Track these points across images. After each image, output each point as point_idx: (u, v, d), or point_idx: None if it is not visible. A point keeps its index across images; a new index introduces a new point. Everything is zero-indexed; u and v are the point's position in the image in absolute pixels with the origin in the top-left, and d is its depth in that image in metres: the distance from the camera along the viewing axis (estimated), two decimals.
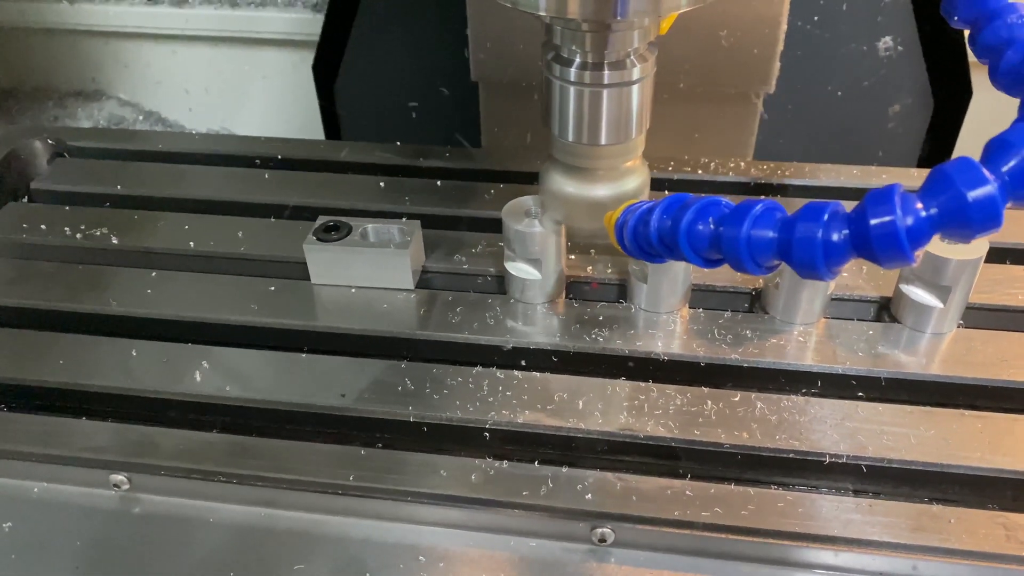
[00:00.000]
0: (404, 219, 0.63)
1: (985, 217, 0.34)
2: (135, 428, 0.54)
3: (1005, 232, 0.64)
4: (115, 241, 0.68)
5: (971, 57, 0.86)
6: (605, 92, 0.50)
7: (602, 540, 0.48)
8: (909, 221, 0.35)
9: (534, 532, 0.49)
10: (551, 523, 0.49)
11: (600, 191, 0.56)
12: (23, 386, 0.57)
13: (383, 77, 1.04)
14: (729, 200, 0.44)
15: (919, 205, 0.35)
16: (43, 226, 0.70)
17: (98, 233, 0.69)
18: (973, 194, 0.34)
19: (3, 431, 0.54)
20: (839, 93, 0.93)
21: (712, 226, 0.43)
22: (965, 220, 0.34)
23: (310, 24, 1.27)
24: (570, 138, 0.53)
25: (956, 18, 0.50)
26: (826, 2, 0.88)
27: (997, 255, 0.62)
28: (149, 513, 0.52)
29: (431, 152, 0.77)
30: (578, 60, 0.49)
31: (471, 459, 0.51)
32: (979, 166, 0.35)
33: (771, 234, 0.40)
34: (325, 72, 1.03)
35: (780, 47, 0.74)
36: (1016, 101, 0.41)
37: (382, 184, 0.73)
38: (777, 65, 0.75)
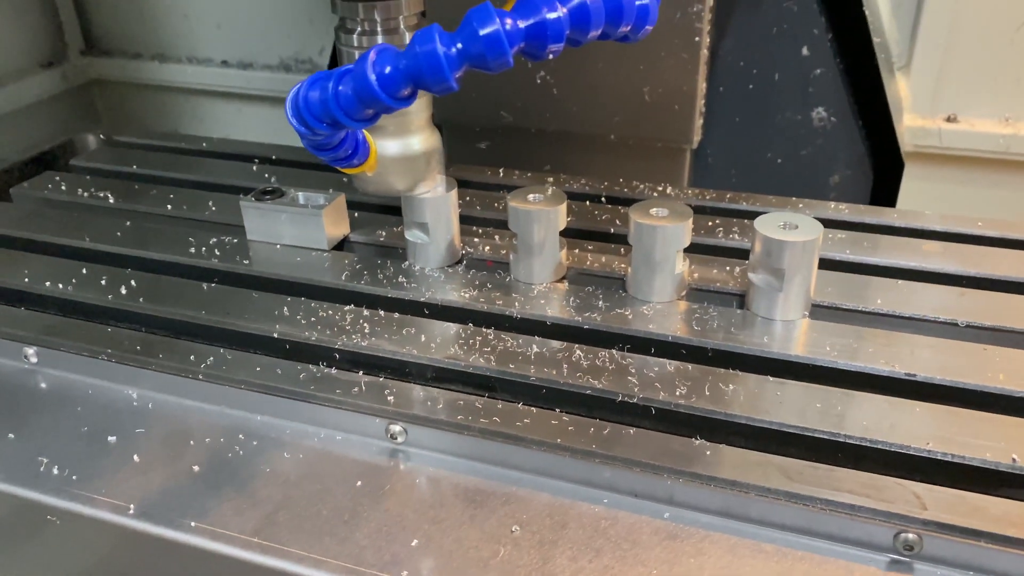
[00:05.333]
0: (331, 190, 0.72)
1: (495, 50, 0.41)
2: (58, 318, 0.64)
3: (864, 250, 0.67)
4: (111, 201, 0.81)
5: (899, 129, 0.88)
6: None
7: (393, 437, 0.53)
8: (453, 51, 0.41)
9: (342, 427, 0.55)
10: (355, 420, 0.54)
11: (389, 148, 0.63)
12: None
13: None
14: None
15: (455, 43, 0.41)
16: (63, 187, 0.84)
17: (101, 195, 0.82)
18: (484, 31, 0.40)
19: None
20: (779, 160, 0.95)
21: (350, 84, 0.43)
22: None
23: None
24: None
25: None
26: (759, 71, 0.92)
27: (865, 269, 0.65)
28: (56, 386, 0.61)
29: None
30: (358, 29, 0.59)
31: (308, 364, 0.58)
32: (494, 12, 0.41)
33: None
34: None
35: (699, 105, 0.79)
36: None
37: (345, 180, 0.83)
38: (699, 122, 0.80)
